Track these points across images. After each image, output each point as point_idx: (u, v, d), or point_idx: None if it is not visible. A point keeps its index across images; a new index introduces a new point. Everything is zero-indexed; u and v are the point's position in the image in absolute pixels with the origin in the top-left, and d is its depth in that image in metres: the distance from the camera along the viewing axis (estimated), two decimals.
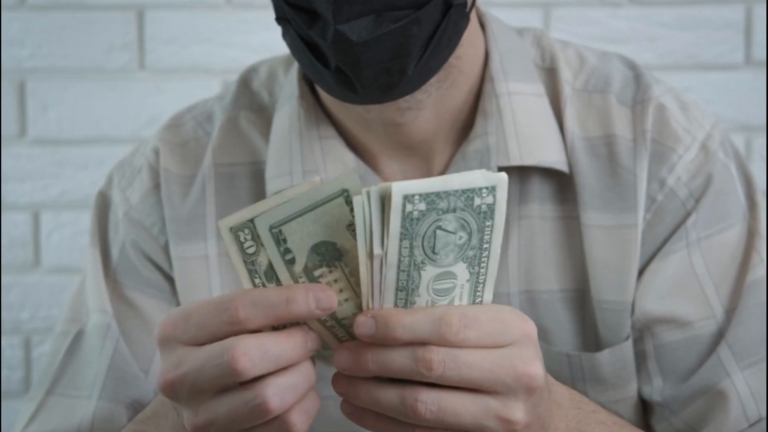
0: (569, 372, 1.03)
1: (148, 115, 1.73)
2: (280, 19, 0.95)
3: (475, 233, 0.72)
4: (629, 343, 1.03)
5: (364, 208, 0.71)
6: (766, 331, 1.01)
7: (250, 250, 0.74)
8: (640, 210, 1.01)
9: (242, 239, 0.74)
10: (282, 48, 1.03)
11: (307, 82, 1.07)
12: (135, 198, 1.09)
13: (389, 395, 0.74)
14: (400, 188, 0.70)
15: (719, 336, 1.01)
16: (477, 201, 0.72)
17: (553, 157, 1.02)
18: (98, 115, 1.74)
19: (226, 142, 1.08)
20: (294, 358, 0.73)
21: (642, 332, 1.02)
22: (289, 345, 0.73)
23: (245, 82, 1.12)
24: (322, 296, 0.73)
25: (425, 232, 0.71)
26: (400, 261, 0.72)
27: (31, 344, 1.76)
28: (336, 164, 1.03)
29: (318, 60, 0.93)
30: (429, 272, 0.73)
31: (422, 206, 0.71)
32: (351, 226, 0.73)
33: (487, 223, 0.73)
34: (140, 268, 1.07)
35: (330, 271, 0.74)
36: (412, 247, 0.72)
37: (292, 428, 0.74)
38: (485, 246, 0.73)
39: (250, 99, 1.11)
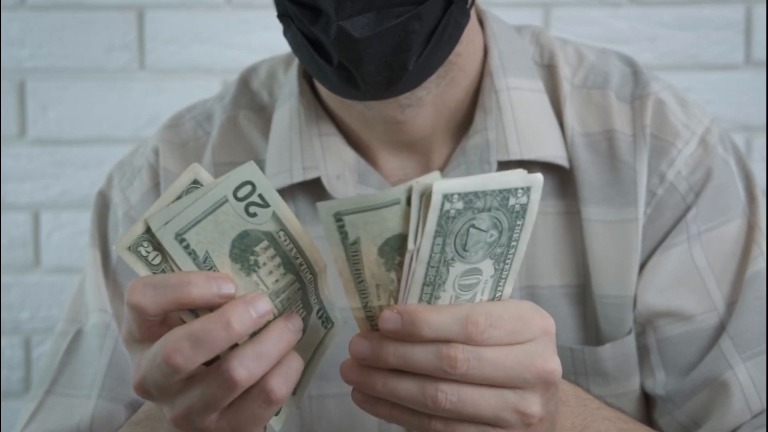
0: (572, 366, 1.03)
1: (148, 115, 1.74)
2: (282, 16, 0.96)
3: (505, 231, 0.73)
4: (631, 338, 1.03)
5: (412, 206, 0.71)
6: (767, 324, 1.01)
7: (156, 261, 0.74)
8: (641, 204, 1.02)
9: (144, 253, 0.73)
10: (282, 48, 1.04)
11: (307, 80, 1.07)
12: (135, 198, 1.09)
13: (409, 386, 0.74)
14: (440, 187, 0.70)
15: (721, 328, 1.01)
16: (512, 201, 0.72)
17: (553, 152, 1.02)
18: (98, 115, 1.74)
19: (226, 141, 1.09)
20: (231, 338, 0.71)
21: (644, 326, 1.03)
22: (218, 326, 0.71)
23: (245, 81, 1.12)
24: (224, 285, 0.72)
25: (459, 230, 0.71)
26: (431, 257, 0.72)
27: (31, 344, 1.76)
28: (336, 161, 1.03)
29: (320, 56, 0.93)
30: (457, 268, 0.73)
31: (460, 205, 0.71)
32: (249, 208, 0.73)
33: (518, 222, 0.73)
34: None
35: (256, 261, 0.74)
36: (444, 244, 0.71)
37: (271, 395, 0.73)
38: (513, 244, 0.74)
39: (249, 98, 1.11)
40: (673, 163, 1.03)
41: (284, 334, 0.73)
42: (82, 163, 1.74)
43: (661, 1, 1.75)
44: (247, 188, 0.72)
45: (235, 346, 0.73)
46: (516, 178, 0.72)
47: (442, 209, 0.70)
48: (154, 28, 1.74)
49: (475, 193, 0.71)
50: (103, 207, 1.11)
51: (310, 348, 0.80)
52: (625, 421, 0.94)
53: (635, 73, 1.07)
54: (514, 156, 1.01)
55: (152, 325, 0.74)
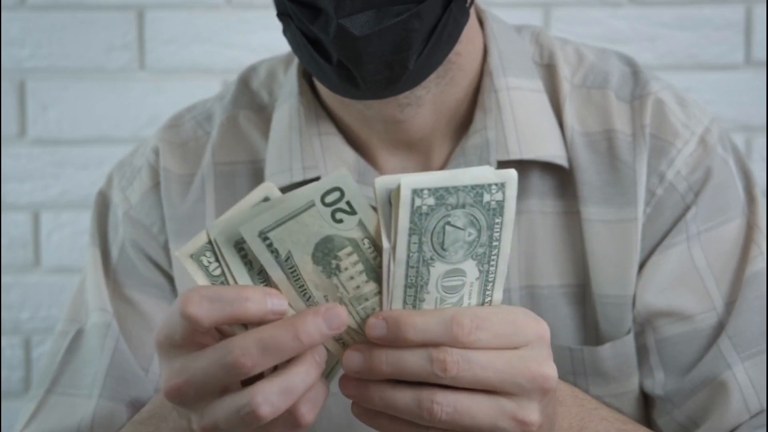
0: (571, 366, 1.03)
1: (148, 115, 1.74)
2: (281, 15, 0.96)
3: (484, 230, 0.72)
4: (630, 337, 1.03)
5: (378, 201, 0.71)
6: (766, 323, 1.01)
7: (216, 272, 0.74)
8: (640, 204, 1.02)
9: (206, 263, 0.74)
10: (282, 48, 1.04)
11: (307, 79, 1.07)
12: (135, 197, 1.09)
13: (404, 397, 0.73)
14: (409, 182, 0.69)
15: (720, 328, 1.01)
16: (486, 197, 0.71)
17: (552, 151, 1.02)
18: (98, 115, 1.74)
19: (226, 141, 1.09)
20: (298, 349, 0.72)
21: (643, 326, 1.03)
22: (288, 335, 0.71)
23: (245, 81, 1.12)
24: (277, 302, 0.73)
25: (434, 228, 0.71)
26: (408, 257, 0.71)
27: (31, 344, 1.76)
28: (335, 160, 1.03)
29: (320, 55, 0.93)
30: (438, 269, 0.72)
31: (431, 201, 0.70)
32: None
33: (497, 221, 0.72)
34: (140, 268, 1.07)
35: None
36: (421, 242, 0.71)
37: (300, 420, 0.73)
38: (495, 244, 0.73)
39: (249, 98, 1.11)
40: (673, 162, 1.03)
41: (311, 369, 0.73)
42: (82, 163, 1.74)
43: (661, 1, 1.75)
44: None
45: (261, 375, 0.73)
46: (488, 173, 0.71)
47: (413, 205, 0.70)
48: (154, 28, 1.74)
49: (446, 189, 0.70)
50: (103, 207, 1.11)
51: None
52: (624, 422, 0.94)
53: (635, 72, 1.07)
54: (514, 156, 1.01)
55: (198, 334, 0.73)
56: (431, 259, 0.72)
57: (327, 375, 0.77)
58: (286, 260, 0.73)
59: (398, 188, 0.70)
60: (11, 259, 1.75)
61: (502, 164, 1.01)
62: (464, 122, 1.04)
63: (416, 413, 0.74)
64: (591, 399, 0.92)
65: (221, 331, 0.75)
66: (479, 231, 0.72)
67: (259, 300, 0.72)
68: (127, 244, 1.08)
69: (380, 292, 0.74)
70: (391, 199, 0.71)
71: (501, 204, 0.72)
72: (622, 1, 1.75)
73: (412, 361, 0.73)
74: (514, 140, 1.02)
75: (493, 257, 0.73)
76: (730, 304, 1.01)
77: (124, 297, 1.07)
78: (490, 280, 0.74)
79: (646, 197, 1.02)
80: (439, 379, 0.72)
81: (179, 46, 1.74)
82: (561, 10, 1.75)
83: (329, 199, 0.72)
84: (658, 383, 1.02)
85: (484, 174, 0.71)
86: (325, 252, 0.73)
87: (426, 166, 1.04)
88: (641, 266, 1.02)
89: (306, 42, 0.93)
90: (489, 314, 0.73)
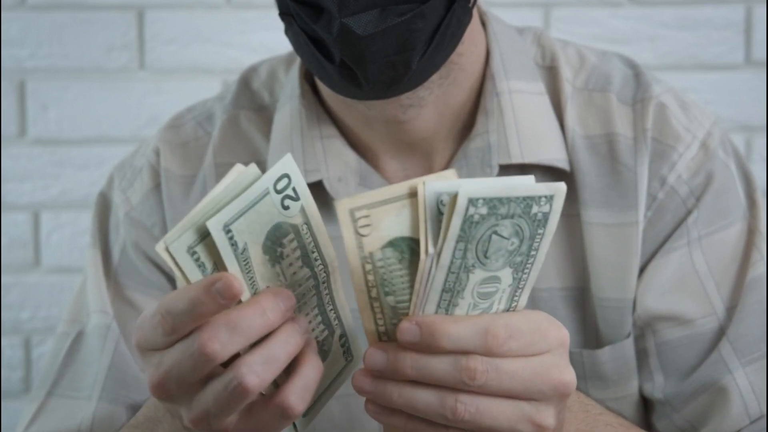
0: None
1: (148, 115, 1.74)
2: (283, 15, 0.95)
3: (526, 240, 0.72)
4: (630, 341, 1.03)
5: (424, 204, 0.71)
6: (767, 329, 1.01)
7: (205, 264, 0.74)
8: (641, 208, 1.02)
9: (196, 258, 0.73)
10: (282, 48, 1.03)
11: (309, 81, 1.07)
12: (136, 198, 1.09)
13: (427, 396, 0.73)
14: (467, 191, 0.69)
15: (720, 333, 1.01)
16: (534, 209, 0.71)
17: (554, 155, 1.02)
18: (98, 115, 1.74)
19: (227, 141, 1.08)
20: (266, 326, 0.72)
21: (643, 330, 1.03)
22: (256, 314, 0.71)
23: (245, 81, 1.12)
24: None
25: (481, 236, 0.71)
26: (452, 263, 0.71)
27: (31, 344, 1.76)
28: (337, 163, 1.03)
29: (322, 55, 0.93)
30: (477, 276, 0.72)
31: (484, 210, 0.70)
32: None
33: (539, 231, 0.72)
34: (141, 269, 1.07)
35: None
36: (466, 249, 0.71)
37: (289, 411, 0.73)
38: (533, 253, 0.73)
39: (250, 99, 1.11)
40: (674, 166, 1.03)
41: (291, 336, 0.73)
42: (82, 163, 1.74)
43: (661, 1, 1.75)
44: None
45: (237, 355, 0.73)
46: (540, 185, 0.71)
47: (466, 213, 0.70)
48: (154, 28, 1.73)
49: (500, 199, 0.70)
50: (103, 208, 1.11)
51: (328, 377, 0.79)
52: (627, 427, 0.94)
53: (637, 75, 1.07)
54: (515, 159, 1.01)
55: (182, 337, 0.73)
56: (473, 266, 0.72)
57: (327, 387, 0.78)
58: (242, 252, 0.72)
59: (455, 197, 0.69)
60: (11, 259, 1.75)
61: (504, 168, 1.01)
62: (466, 125, 1.04)
63: (439, 412, 0.73)
64: (596, 404, 0.92)
65: None
66: (521, 240, 0.72)
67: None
68: (128, 245, 1.08)
69: (411, 294, 0.74)
70: (441, 203, 0.71)
71: (547, 216, 0.72)
72: (622, 1, 1.75)
73: (440, 368, 0.73)
74: (515, 144, 1.01)
75: (528, 265, 0.74)
76: (731, 309, 1.01)
77: (126, 298, 1.07)
78: (520, 287, 0.75)
79: (647, 201, 1.02)
80: (465, 386, 0.72)
81: (179, 46, 1.74)
82: (561, 10, 1.75)
83: (279, 185, 0.73)
84: (658, 387, 1.02)
85: (537, 186, 0.71)
86: (273, 240, 0.73)
87: (428, 169, 1.03)
88: (642, 270, 1.02)
89: (308, 42, 0.93)
90: (520, 324, 0.74)
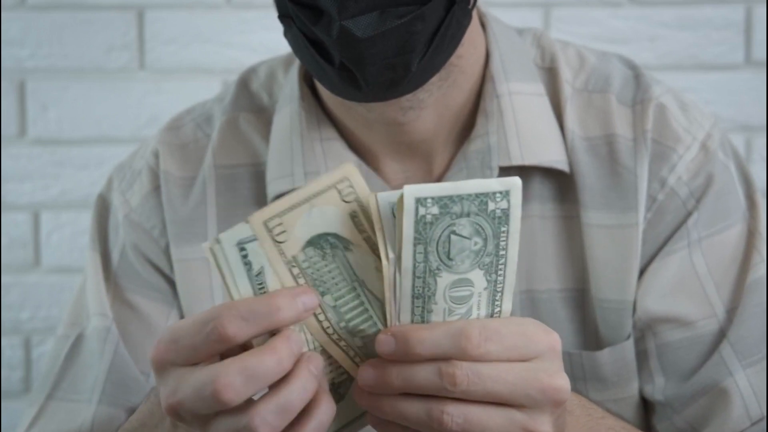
0: (570, 371, 1.03)
1: (148, 115, 1.73)
2: (282, 17, 0.95)
3: (490, 239, 0.72)
4: (630, 343, 1.03)
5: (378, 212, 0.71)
6: (767, 330, 1.01)
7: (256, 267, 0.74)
8: (641, 209, 1.01)
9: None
10: (282, 48, 1.03)
11: (308, 83, 1.06)
12: (135, 201, 1.08)
13: (415, 408, 0.74)
14: (411, 191, 0.69)
15: (721, 335, 1.01)
16: (491, 205, 0.71)
17: (553, 156, 1.02)
18: (98, 115, 1.74)
19: (226, 143, 1.08)
20: (281, 373, 0.72)
21: (643, 332, 1.03)
22: (273, 362, 0.71)
23: (244, 83, 1.12)
24: (306, 299, 0.73)
25: (439, 237, 0.71)
26: (415, 267, 0.71)
27: (31, 344, 1.76)
28: (337, 165, 1.03)
29: (322, 57, 0.92)
30: (445, 279, 0.72)
31: (435, 210, 0.70)
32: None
33: (503, 229, 0.72)
34: (141, 271, 1.07)
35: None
36: (426, 252, 0.71)
37: None
38: (501, 253, 0.73)
39: (249, 100, 1.11)
40: (674, 168, 1.02)
41: (307, 383, 0.73)
42: (82, 163, 1.74)
43: (661, 1, 1.75)
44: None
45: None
46: (492, 181, 0.71)
47: (417, 214, 0.70)
48: (154, 28, 1.73)
49: (450, 197, 0.70)
50: (103, 210, 1.11)
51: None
52: (629, 431, 0.94)
53: (637, 76, 1.07)
54: (516, 161, 1.01)
55: (205, 353, 0.73)
56: (438, 269, 0.72)
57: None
58: (258, 275, 0.73)
59: (401, 198, 0.70)
60: (11, 259, 1.75)
61: (504, 170, 1.01)
62: (466, 127, 1.04)
63: (426, 423, 0.74)
64: (597, 408, 0.92)
65: None
66: (485, 240, 0.72)
67: (289, 306, 0.72)
68: (127, 247, 1.08)
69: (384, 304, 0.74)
70: (395, 210, 0.71)
71: (506, 212, 0.72)
72: (622, 1, 1.75)
73: (422, 375, 0.73)
74: (515, 146, 1.01)
75: (500, 266, 0.73)
76: (732, 311, 1.01)
77: (125, 301, 1.07)
78: (498, 290, 0.74)
79: (647, 203, 1.02)
80: (449, 392, 0.72)
81: (179, 46, 1.74)
82: (561, 10, 1.75)
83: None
84: (659, 389, 1.02)
85: (488, 182, 0.71)
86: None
87: (428, 171, 1.03)
88: (642, 272, 1.02)
89: (308, 44, 0.93)
90: (498, 326, 0.73)
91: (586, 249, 1.02)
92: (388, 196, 0.72)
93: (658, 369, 1.02)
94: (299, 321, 0.73)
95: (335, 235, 0.73)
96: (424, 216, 0.70)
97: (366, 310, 0.75)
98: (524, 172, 1.02)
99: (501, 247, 0.73)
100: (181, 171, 1.08)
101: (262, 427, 0.71)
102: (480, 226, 0.71)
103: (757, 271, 1.02)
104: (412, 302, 0.73)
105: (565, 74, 1.06)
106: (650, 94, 1.04)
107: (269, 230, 0.72)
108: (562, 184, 1.04)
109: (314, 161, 1.03)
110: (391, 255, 0.71)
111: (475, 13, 1.00)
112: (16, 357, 1.76)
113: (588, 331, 1.04)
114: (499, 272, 0.74)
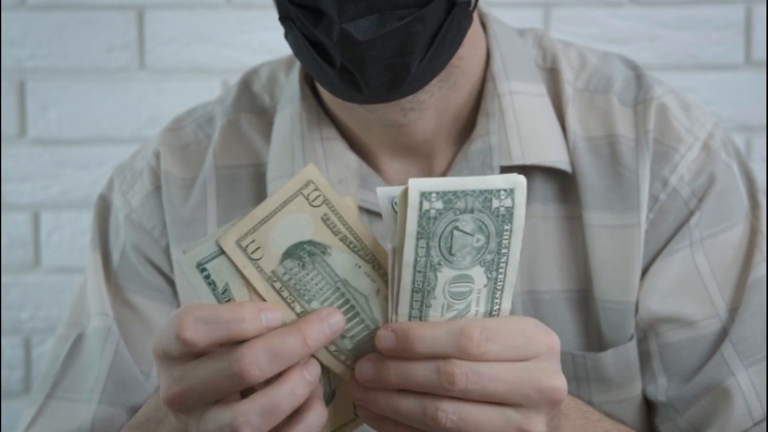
0: (573, 372, 1.03)
1: (148, 115, 1.73)
2: (283, 19, 0.95)
3: (493, 237, 0.72)
4: (633, 343, 1.03)
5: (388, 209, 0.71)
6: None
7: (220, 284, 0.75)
8: (643, 210, 1.01)
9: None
10: (282, 48, 1.03)
11: (309, 84, 1.06)
12: (136, 201, 1.08)
13: (410, 404, 0.74)
14: (417, 185, 0.69)
15: (723, 335, 1.01)
16: (495, 203, 0.71)
17: (555, 156, 1.02)
18: (98, 115, 1.74)
19: (227, 144, 1.08)
20: (305, 353, 0.72)
21: (646, 332, 1.02)
22: (298, 340, 0.72)
23: (246, 84, 1.12)
24: (270, 315, 0.73)
25: (442, 232, 0.71)
26: (416, 261, 0.71)
27: (31, 344, 1.76)
28: (338, 165, 1.03)
29: (322, 59, 0.92)
30: (445, 274, 0.72)
31: (439, 205, 0.70)
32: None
33: (506, 227, 0.72)
34: (141, 271, 1.07)
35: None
36: (428, 247, 0.71)
37: None
38: (503, 251, 0.73)
39: (250, 101, 1.11)
40: (676, 168, 1.02)
41: (298, 387, 0.73)
42: (82, 163, 1.74)
43: (661, 1, 1.75)
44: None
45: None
46: (497, 179, 0.71)
47: (421, 208, 0.70)
48: (154, 28, 1.73)
49: (454, 193, 0.70)
50: (104, 210, 1.11)
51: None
52: None
53: (638, 76, 1.07)
54: (517, 161, 1.01)
55: (195, 352, 0.74)
56: (439, 264, 0.72)
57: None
58: (223, 293, 0.73)
59: (405, 191, 0.70)
60: (11, 259, 1.75)
61: (505, 169, 1.01)
62: (467, 127, 1.04)
63: (421, 420, 0.74)
64: (594, 411, 0.92)
65: None
66: (488, 237, 0.72)
67: (253, 318, 0.72)
68: (128, 247, 1.08)
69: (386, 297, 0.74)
70: (397, 203, 0.71)
71: (510, 210, 0.72)
72: (622, 1, 1.75)
73: (420, 373, 0.73)
74: (517, 145, 1.01)
75: (501, 265, 0.73)
76: (734, 311, 1.01)
77: (126, 301, 1.07)
78: (498, 288, 0.74)
79: (649, 203, 1.02)
80: (447, 391, 0.72)
81: (179, 46, 1.74)
82: (561, 10, 1.75)
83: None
84: (661, 389, 1.02)
85: (493, 180, 0.71)
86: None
87: (428, 171, 1.03)
88: (644, 272, 1.02)
89: (308, 46, 0.93)
90: (499, 326, 0.73)
91: (589, 249, 1.02)
92: (388, 191, 0.72)
93: (660, 370, 1.02)
94: (260, 335, 0.72)
95: (310, 242, 0.73)
96: (428, 210, 0.70)
97: (353, 307, 0.75)
98: (526, 172, 1.02)
99: (503, 246, 0.73)
100: (182, 172, 1.08)
101: (245, 426, 0.71)
102: (483, 223, 0.71)
103: (759, 270, 1.02)
104: (411, 296, 0.73)
105: (567, 75, 1.06)
106: (652, 94, 1.04)
107: (243, 249, 0.72)
108: (564, 185, 1.04)
109: (315, 161, 1.03)
110: (390, 247, 0.72)
111: (475, 14, 1.00)
112: (16, 357, 1.76)
113: (591, 332, 1.04)
114: (500, 270, 0.74)
